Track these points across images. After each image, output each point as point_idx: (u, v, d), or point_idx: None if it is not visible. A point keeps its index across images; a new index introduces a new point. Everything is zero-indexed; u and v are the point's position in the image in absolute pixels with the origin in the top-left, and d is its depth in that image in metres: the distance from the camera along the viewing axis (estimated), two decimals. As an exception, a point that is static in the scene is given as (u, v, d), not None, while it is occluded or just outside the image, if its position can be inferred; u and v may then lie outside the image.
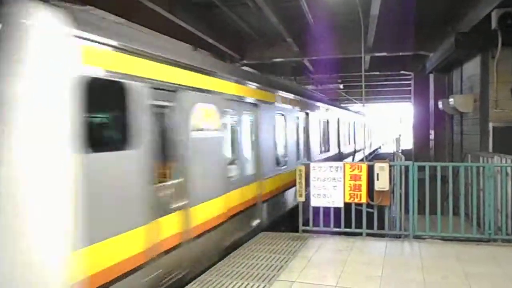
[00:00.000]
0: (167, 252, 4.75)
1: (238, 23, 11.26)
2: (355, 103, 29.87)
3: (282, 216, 8.86)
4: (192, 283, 4.97)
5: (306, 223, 7.16)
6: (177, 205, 5.03)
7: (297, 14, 10.23)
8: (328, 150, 14.22)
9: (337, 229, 7.00)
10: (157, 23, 9.47)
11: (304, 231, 7.13)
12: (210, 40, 11.47)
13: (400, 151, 15.66)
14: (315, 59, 15.06)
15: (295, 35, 12.16)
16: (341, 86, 21.66)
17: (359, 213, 6.91)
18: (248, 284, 4.90)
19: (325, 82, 20.28)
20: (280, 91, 9.08)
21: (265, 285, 4.84)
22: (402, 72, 17.38)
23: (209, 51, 12.30)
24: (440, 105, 11.36)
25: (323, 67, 16.02)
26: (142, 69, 4.45)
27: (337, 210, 6.92)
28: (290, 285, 4.86)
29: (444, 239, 6.59)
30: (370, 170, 6.78)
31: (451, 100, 10.29)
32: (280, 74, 17.60)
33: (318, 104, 12.96)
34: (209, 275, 5.24)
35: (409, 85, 19.74)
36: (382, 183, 6.67)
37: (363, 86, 11.92)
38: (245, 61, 13.90)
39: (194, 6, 10.14)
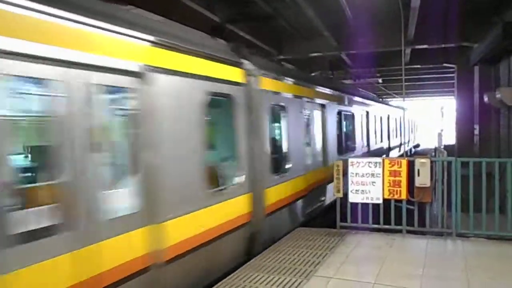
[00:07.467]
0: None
1: (274, 18, 11.21)
2: (395, 97, 29.10)
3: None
4: (228, 277, 5.04)
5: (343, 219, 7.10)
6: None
7: (335, 7, 10.03)
8: (382, 141, 17.47)
9: (376, 226, 6.89)
10: (195, 21, 9.59)
11: (341, 227, 7.06)
12: (248, 37, 11.50)
13: (442, 146, 15.19)
14: (353, 53, 14.77)
15: (333, 29, 11.97)
16: (380, 80, 21.13)
17: (398, 209, 6.77)
18: (285, 279, 4.91)
19: (363, 76, 19.88)
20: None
21: (302, 280, 4.84)
22: (444, 64, 16.79)
23: (247, 48, 12.31)
24: (485, 98, 10.91)
25: (361, 61, 15.71)
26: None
27: (375, 206, 6.81)
28: (328, 281, 4.82)
29: (489, 237, 6.33)
30: (411, 166, 6.61)
31: (498, 93, 9.86)
32: (318, 68, 17.40)
33: (374, 103, 16.43)
34: (245, 269, 5.29)
35: (451, 78, 19.06)
36: (423, 179, 6.49)
37: (403, 80, 11.56)
38: (282, 56, 13.84)
39: (231, 3, 10.19)
